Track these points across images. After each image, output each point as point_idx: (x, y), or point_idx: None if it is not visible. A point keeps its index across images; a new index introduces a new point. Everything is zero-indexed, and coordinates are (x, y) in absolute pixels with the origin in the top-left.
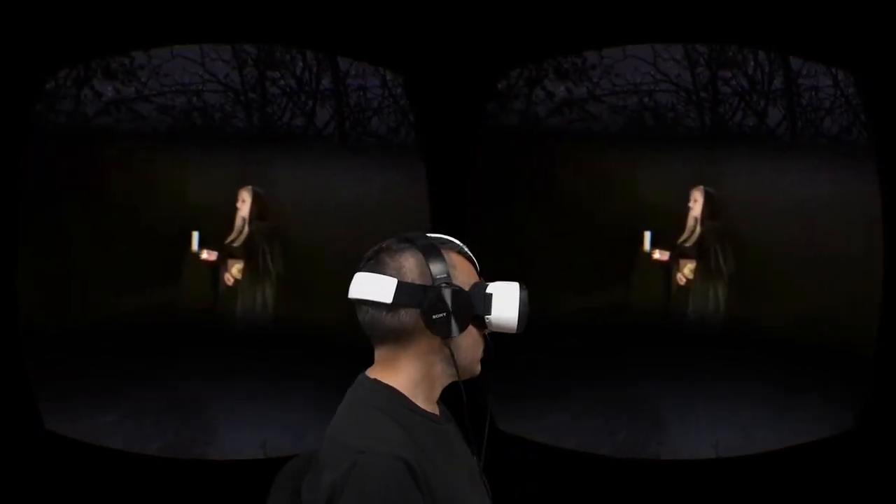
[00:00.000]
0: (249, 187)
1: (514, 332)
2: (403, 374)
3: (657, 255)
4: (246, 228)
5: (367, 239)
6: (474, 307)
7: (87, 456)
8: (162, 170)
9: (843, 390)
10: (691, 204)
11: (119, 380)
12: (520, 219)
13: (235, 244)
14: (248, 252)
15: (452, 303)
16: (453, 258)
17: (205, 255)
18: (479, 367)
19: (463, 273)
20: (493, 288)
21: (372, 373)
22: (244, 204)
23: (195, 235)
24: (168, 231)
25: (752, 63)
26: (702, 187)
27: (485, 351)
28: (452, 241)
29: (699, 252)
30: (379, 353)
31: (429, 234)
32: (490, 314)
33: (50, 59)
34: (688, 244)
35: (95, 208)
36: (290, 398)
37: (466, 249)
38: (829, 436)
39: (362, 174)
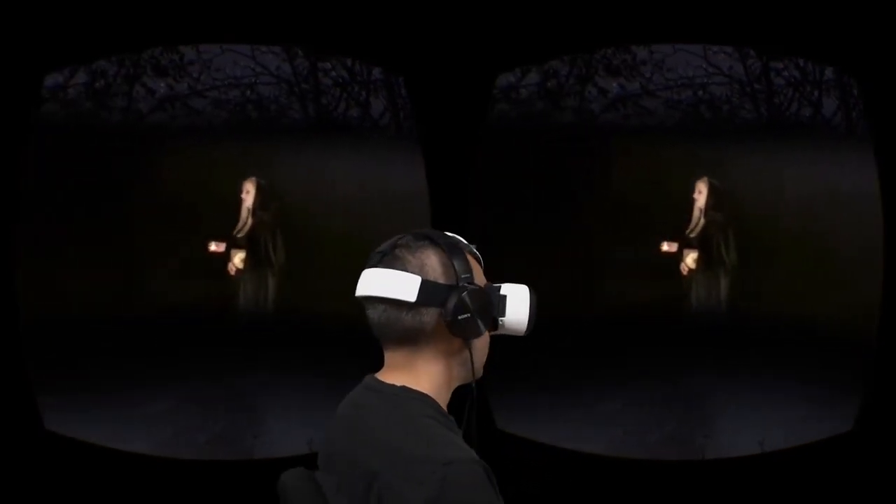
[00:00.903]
0: (253, 178)
1: (522, 334)
2: (425, 379)
3: (665, 246)
4: (250, 219)
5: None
6: (493, 308)
7: (86, 456)
8: (219, 163)
9: (843, 390)
10: (696, 195)
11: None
12: (577, 215)
13: (240, 235)
14: (251, 243)
15: (475, 303)
16: (469, 258)
17: (213, 246)
18: (482, 371)
19: (478, 274)
20: (506, 290)
21: (389, 377)
22: (248, 195)
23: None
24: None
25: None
26: (706, 179)
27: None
28: (464, 241)
29: (702, 243)
30: (394, 356)
31: (444, 233)
32: (504, 316)
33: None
34: (692, 235)
35: (153, 204)
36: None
37: (475, 249)
38: (828, 437)
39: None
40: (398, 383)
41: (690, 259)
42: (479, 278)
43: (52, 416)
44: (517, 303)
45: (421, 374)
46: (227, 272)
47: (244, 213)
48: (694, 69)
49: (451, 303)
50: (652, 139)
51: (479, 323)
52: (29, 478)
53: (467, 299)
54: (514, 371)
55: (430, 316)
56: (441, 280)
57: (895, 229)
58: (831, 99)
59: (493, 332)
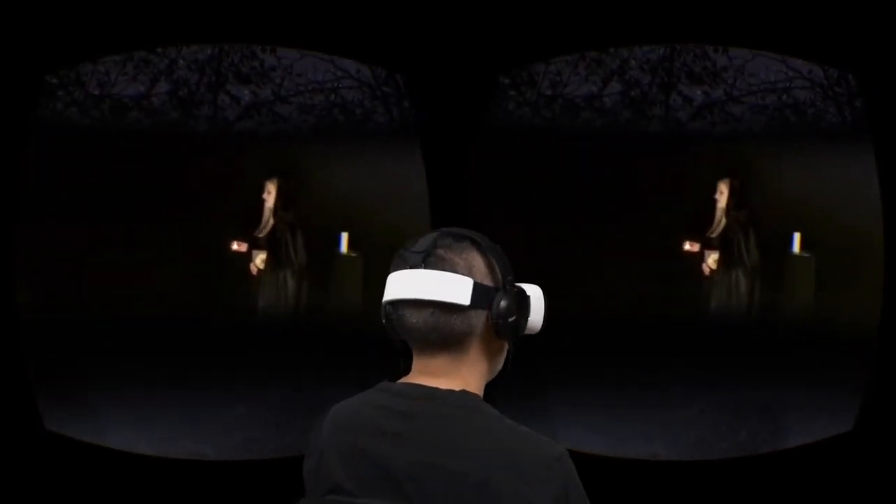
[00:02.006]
0: (275, 179)
1: (534, 334)
2: (471, 381)
3: (687, 246)
4: (271, 220)
5: None
6: (527, 309)
7: (86, 456)
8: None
9: (843, 390)
10: (717, 196)
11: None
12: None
13: (261, 235)
14: (271, 243)
15: (518, 304)
16: None
17: (235, 246)
18: None
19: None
20: (528, 290)
21: (430, 382)
22: (270, 195)
23: (344, 236)
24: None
25: None
26: (728, 179)
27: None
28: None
29: (723, 243)
30: (433, 360)
31: (473, 232)
32: (530, 316)
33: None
34: (713, 235)
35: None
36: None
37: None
38: (828, 437)
39: None
40: (444, 387)
41: (712, 259)
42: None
43: (52, 417)
44: (537, 303)
45: (466, 377)
46: (249, 272)
47: (266, 213)
48: (775, 73)
49: (500, 305)
50: (740, 145)
51: (522, 324)
52: (28, 478)
53: (514, 301)
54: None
55: (478, 318)
56: (487, 281)
57: (893, 231)
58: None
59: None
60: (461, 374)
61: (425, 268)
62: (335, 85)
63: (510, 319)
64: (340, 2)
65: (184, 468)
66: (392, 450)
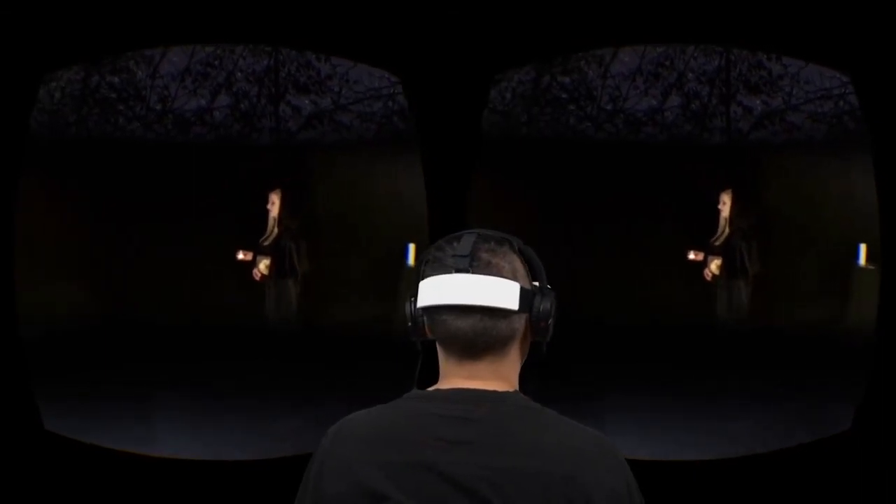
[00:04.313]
0: (279, 189)
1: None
2: (513, 380)
3: (692, 255)
4: (276, 229)
5: None
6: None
7: (86, 456)
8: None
9: (841, 390)
10: (720, 206)
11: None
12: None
13: (266, 243)
14: (276, 251)
15: (555, 308)
16: None
17: (241, 255)
18: None
19: None
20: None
21: (479, 384)
22: (274, 206)
23: (411, 248)
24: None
25: None
26: (730, 190)
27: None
28: None
29: (726, 251)
30: (476, 364)
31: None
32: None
33: None
34: (717, 244)
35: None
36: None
37: None
38: (826, 436)
39: None
40: (492, 388)
41: (714, 265)
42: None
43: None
44: (554, 306)
45: (508, 377)
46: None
47: (270, 222)
48: (829, 80)
49: (542, 307)
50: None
51: (552, 327)
52: (28, 478)
53: (551, 305)
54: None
55: (520, 322)
56: (526, 285)
57: (893, 231)
58: None
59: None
60: (503, 375)
61: (473, 272)
62: (391, 91)
63: (550, 321)
64: (339, 3)
65: (182, 468)
66: (460, 457)
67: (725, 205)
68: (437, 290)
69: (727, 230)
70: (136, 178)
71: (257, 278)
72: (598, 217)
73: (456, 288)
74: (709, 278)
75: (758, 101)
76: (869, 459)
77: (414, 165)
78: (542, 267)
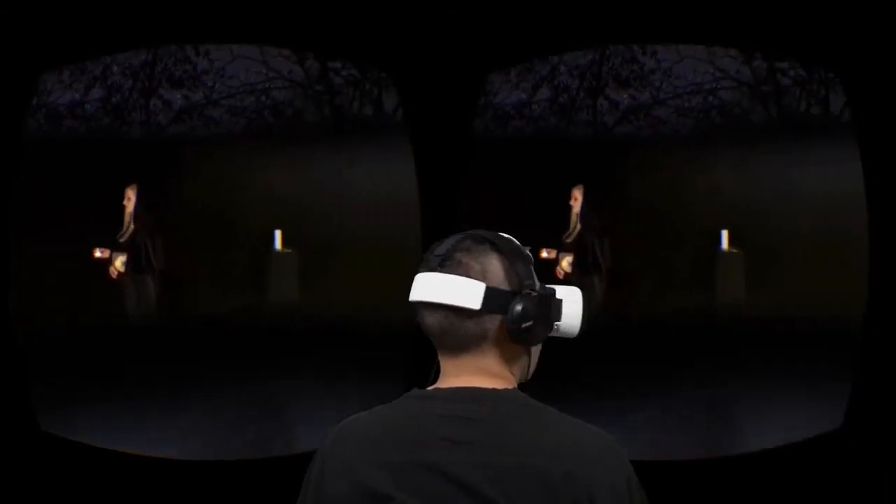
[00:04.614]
0: (134, 185)
1: (573, 337)
2: (507, 380)
3: (544, 253)
4: (132, 225)
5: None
6: (552, 314)
7: (83, 457)
8: (242, 170)
9: (831, 388)
10: (572, 202)
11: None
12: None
13: (122, 240)
14: (131, 248)
15: (537, 310)
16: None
17: (98, 253)
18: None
19: (535, 278)
20: (561, 293)
21: (475, 382)
22: (130, 202)
23: (278, 234)
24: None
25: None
26: (581, 186)
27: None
28: (517, 242)
29: (577, 247)
30: (459, 362)
31: (500, 235)
32: (559, 320)
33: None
34: (569, 240)
35: (183, 212)
36: None
37: (527, 251)
38: (817, 434)
39: None
40: (489, 386)
41: (566, 262)
42: (535, 282)
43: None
44: (572, 306)
45: (499, 375)
46: (109, 276)
47: (126, 218)
48: (702, 75)
49: (515, 310)
50: (667, 148)
51: (540, 330)
52: (26, 479)
53: (531, 307)
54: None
55: (492, 323)
56: (504, 286)
57: (881, 226)
58: (838, 95)
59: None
60: (493, 372)
61: (441, 271)
62: (266, 86)
63: (524, 325)
64: (328, 3)
65: (181, 469)
66: (461, 457)
67: (577, 201)
68: (414, 288)
69: (578, 226)
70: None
71: (114, 276)
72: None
73: (423, 286)
74: (561, 276)
75: (625, 96)
76: (859, 457)
77: (405, 163)
78: (530, 271)
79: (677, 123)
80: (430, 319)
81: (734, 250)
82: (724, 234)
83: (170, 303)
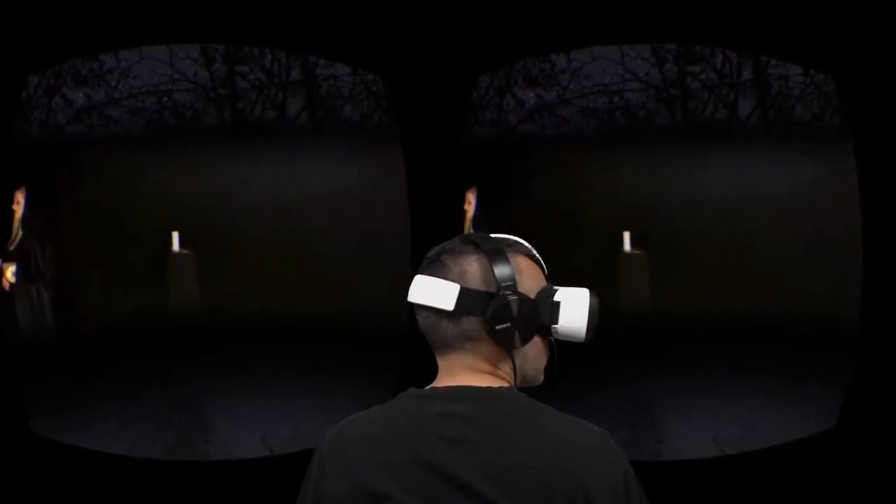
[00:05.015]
0: (23, 188)
1: (582, 341)
2: (504, 379)
3: None
4: (20, 231)
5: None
6: (540, 316)
7: (74, 460)
8: (140, 171)
9: (825, 388)
10: (466, 206)
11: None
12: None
13: (11, 248)
14: (20, 255)
15: (517, 312)
16: (520, 262)
17: None
18: (541, 377)
19: (529, 278)
20: (562, 295)
21: (473, 381)
22: (18, 206)
23: (175, 236)
24: (148, 233)
25: (720, 56)
26: (475, 188)
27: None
28: (520, 243)
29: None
30: (447, 360)
31: (494, 236)
32: (557, 323)
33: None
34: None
35: (77, 214)
36: None
37: (535, 252)
38: (811, 434)
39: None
40: (484, 385)
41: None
42: (531, 283)
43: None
44: (573, 308)
45: (491, 374)
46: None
47: (15, 223)
48: (610, 76)
49: (490, 312)
50: (571, 148)
51: (517, 333)
52: (16, 482)
53: (506, 308)
54: None
55: (471, 324)
56: (481, 287)
57: (876, 226)
58: (748, 99)
59: (551, 338)
60: (484, 370)
61: (426, 273)
62: (169, 87)
63: (498, 327)
64: (316, 3)
65: (180, 469)
66: (460, 456)
67: (470, 204)
68: (410, 289)
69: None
70: None
71: (6, 288)
72: None
73: (412, 287)
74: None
75: (531, 94)
76: (853, 457)
77: (396, 164)
78: (510, 273)
79: (581, 123)
80: (419, 319)
81: (636, 251)
82: (626, 234)
83: (64, 309)
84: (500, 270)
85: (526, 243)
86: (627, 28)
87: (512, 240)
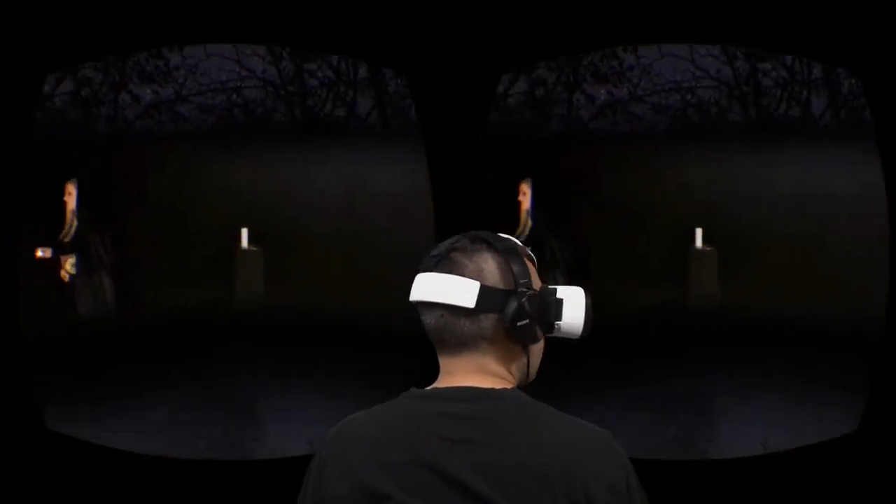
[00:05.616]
0: (75, 179)
1: (577, 337)
2: (507, 379)
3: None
4: (74, 222)
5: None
6: (550, 314)
7: (88, 456)
8: (208, 168)
9: (848, 391)
10: (521, 198)
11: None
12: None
13: (67, 239)
14: (79, 245)
15: (535, 309)
16: (526, 261)
17: (39, 252)
18: (535, 375)
19: (534, 278)
20: (562, 293)
21: (472, 381)
22: (70, 197)
23: (244, 232)
24: (212, 229)
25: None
26: (529, 180)
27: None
28: (520, 244)
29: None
30: (457, 361)
31: (499, 235)
32: (560, 320)
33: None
34: (522, 237)
35: (143, 210)
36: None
37: (530, 252)
38: (833, 438)
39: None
40: (487, 385)
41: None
42: (536, 281)
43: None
44: (574, 306)
45: (498, 375)
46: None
47: (68, 215)
48: (681, 73)
49: (510, 309)
50: (642, 144)
51: (538, 329)
52: (29, 478)
53: (526, 305)
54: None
55: (488, 321)
56: (499, 285)
57: None
58: (821, 98)
59: (548, 336)
60: (492, 371)
61: (436, 271)
62: (237, 84)
63: (519, 324)
64: (342, 3)
65: (181, 468)
66: (460, 456)
67: (526, 195)
68: (413, 287)
69: (529, 223)
70: None
71: (66, 279)
72: None
73: (420, 285)
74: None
75: (602, 91)
76: (875, 461)
77: (418, 163)
78: (528, 270)
79: (654, 120)
80: (428, 319)
81: (707, 248)
82: (699, 231)
83: (126, 300)
84: (517, 268)
85: (520, 243)
86: (653, 25)
87: (513, 239)
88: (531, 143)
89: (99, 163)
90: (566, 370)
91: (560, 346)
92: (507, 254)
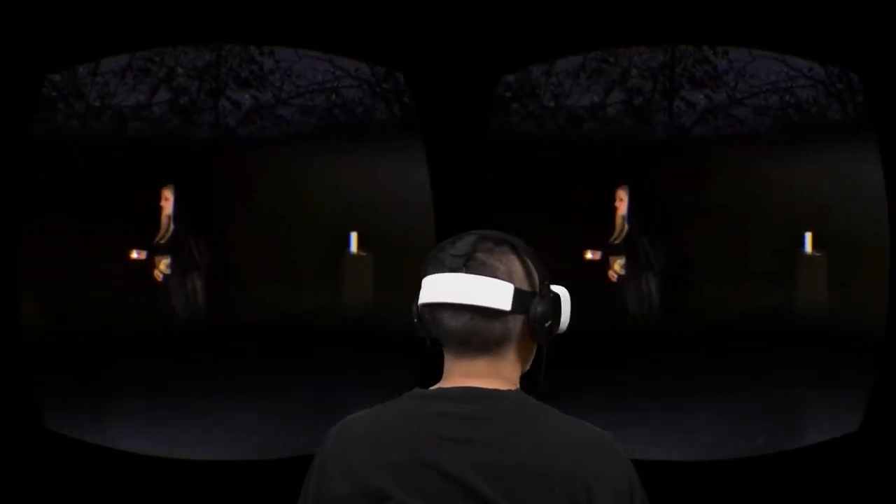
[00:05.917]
0: (171, 185)
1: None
2: (514, 380)
3: (589, 255)
4: (171, 226)
5: None
6: (561, 312)
7: (87, 456)
8: (313, 170)
9: (849, 391)
10: (617, 203)
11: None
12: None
13: (163, 242)
14: (174, 248)
15: (555, 309)
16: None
17: (134, 254)
18: None
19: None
20: (557, 291)
21: (478, 382)
22: (168, 202)
23: (353, 237)
24: (316, 231)
25: None
26: (626, 186)
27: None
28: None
29: (628, 249)
30: (473, 363)
31: (509, 235)
32: (561, 318)
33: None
34: (617, 242)
35: (248, 214)
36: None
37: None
38: (834, 437)
39: None
40: (493, 387)
41: (618, 265)
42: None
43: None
44: (566, 304)
45: (508, 377)
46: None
47: (164, 220)
48: (776, 74)
49: (538, 310)
50: (747, 148)
51: (555, 328)
52: (29, 478)
53: (551, 306)
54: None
55: (515, 323)
56: (524, 286)
57: None
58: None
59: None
60: (504, 375)
61: (466, 272)
62: (335, 85)
63: (547, 324)
64: (339, 2)
65: (184, 469)
66: (462, 457)
67: (622, 202)
68: (432, 289)
69: (626, 228)
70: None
71: (159, 279)
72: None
73: (448, 287)
74: (614, 279)
75: (701, 96)
76: (877, 462)
77: (419, 163)
78: (545, 270)
79: (755, 123)
80: (454, 322)
81: (817, 254)
82: (808, 236)
83: (221, 302)
84: (538, 269)
85: None
86: (649, 27)
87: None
88: (629, 149)
89: (199, 168)
90: (658, 374)
91: (663, 350)
92: (528, 255)
